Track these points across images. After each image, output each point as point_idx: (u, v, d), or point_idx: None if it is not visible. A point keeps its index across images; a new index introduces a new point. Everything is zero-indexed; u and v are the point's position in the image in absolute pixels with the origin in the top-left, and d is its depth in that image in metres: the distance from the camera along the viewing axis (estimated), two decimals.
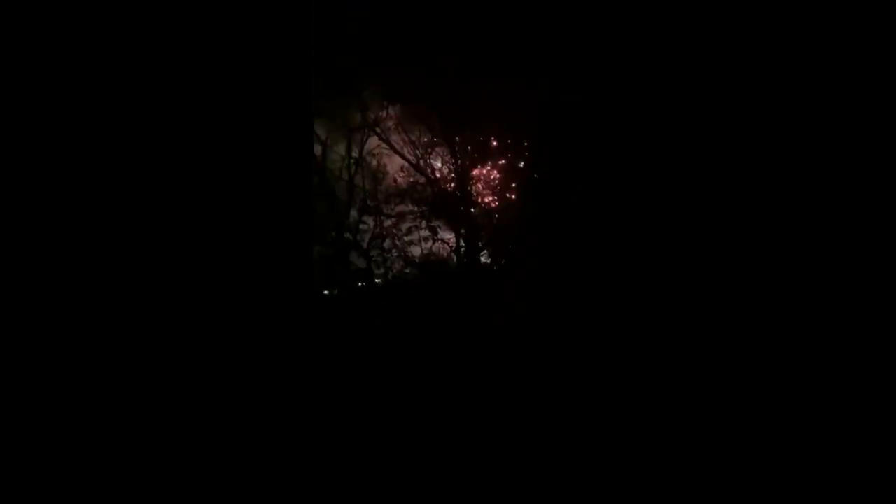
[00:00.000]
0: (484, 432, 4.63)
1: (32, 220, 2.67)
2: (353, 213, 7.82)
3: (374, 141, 7.88)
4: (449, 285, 7.38)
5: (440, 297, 7.05)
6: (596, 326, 5.33)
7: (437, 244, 7.71)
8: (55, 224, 2.70)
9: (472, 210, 7.68)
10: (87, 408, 2.67)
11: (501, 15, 6.53)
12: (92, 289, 2.71)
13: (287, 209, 3.12)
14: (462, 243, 7.66)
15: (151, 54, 2.85)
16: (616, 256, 5.50)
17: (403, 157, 7.86)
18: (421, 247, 7.70)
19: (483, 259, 7.64)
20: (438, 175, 7.82)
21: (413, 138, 7.79)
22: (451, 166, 7.73)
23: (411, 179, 7.84)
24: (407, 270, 7.67)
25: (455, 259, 7.68)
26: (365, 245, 7.77)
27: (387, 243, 7.72)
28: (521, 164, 7.40)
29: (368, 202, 7.83)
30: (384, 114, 7.70)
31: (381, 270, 7.72)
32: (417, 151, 7.84)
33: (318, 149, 7.84)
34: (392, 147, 7.86)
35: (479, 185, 7.71)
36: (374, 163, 7.88)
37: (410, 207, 7.80)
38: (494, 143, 7.51)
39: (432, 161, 7.83)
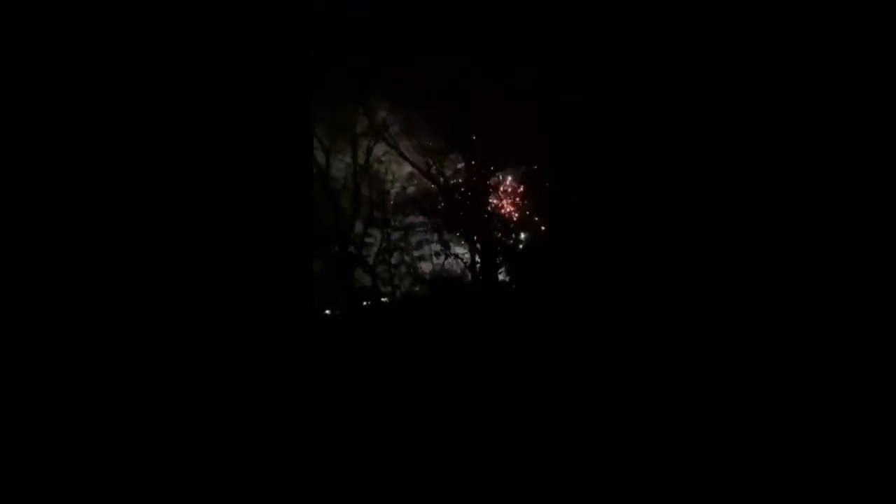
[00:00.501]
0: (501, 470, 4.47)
1: (33, 222, 2.70)
2: (358, 226, 7.55)
3: (381, 147, 7.63)
4: (463, 306, 7.10)
5: (453, 319, 6.68)
6: (632, 359, 5.12)
7: (449, 260, 7.42)
8: (53, 227, 2.73)
9: (490, 222, 7.37)
10: (79, 410, 2.70)
11: (508, 13, 6.43)
12: (87, 291, 2.75)
13: (285, 218, 3.06)
14: (478, 259, 7.33)
15: (151, 56, 2.87)
16: (659, 283, 5.34)
17: (413, 164, 7.55)
18: (432, 262, 7.41)
19: (502, 277, 7.31)
20: (451, 183, 7.51)
21: (423, 143, 7.46)
22: (466, 173, 7.42)
23: (421, 188, 7.56)
24: (416, 288, 7.39)
25: (470, 277, 7.34)
26: (371, 260, 7.46)
27: (394, 258, 7.43)
28: (543, 171, 7.14)
29: (375, 213, 7.53)
30: (392, 117, 7.44)
31: (388, 288, 7.42)
32: (428, 158, 7.50)
33: (320, 156, 7.46)
34: (400, 153, 7.56)
35: (498, 195, 7.40)
36: (382, 170, 7.61)
37: (420, 219, 7.51)
38: (513, 146, 7.11)
39: (445, 168, 7.54)
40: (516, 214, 7.42)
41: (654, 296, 5.32)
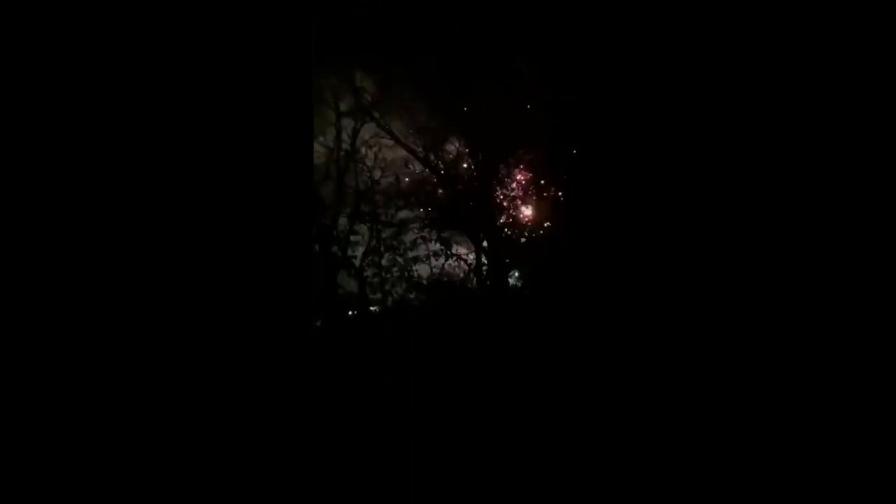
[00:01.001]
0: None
1: (28, 220, 2.81)
2: (343, 221, 6.90)
3: (370, 128, 6.94)
4: (466, 315, 6.50)
5: (455, 331, 6.18)
6: (648, 371, 5.11)
7: (450, 261, 6.85)
8: (49, 225, 2.84)
9: (497, 217, 6.72)
10: (75, 414, 2.83)
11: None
12: (83, 292, 2.86)
13: (285, 218, 3.16)
14: (483, 261, 6.79)
15: (149, 52, 2.98)
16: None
17: (408, 149, 6.90)
18: (430, 265, 6.85)
19: (512, 282, 6.77)
20: (452, 171, 6.88)
21: (420, 124, 6.80)
22: (470, 160, 6.79)
23: (417, 177, 6.92)
24: (411, 295, 6.83)
25: (474, 281, 6.81)
26: (357, 262, 6.88)
27: (385, 260, 6.86)
28: (560, 159, 6.50)
29: (362, 207, 6.90)
30: (383, 93, 6.79)
31: (378, 295, 6.85)
32: (425, 141, 6.86)
33: None
34: (393, 136, 6.89)
35: (509, 184, 6.75)
36: (371, 156, 6.96)
37: (416, 213, 6.90)
38: (524, 126, 6.49)
39: (444, 153, 6.89)
40: (531, 208, 6.71)
41: (667, 301, 5.38)
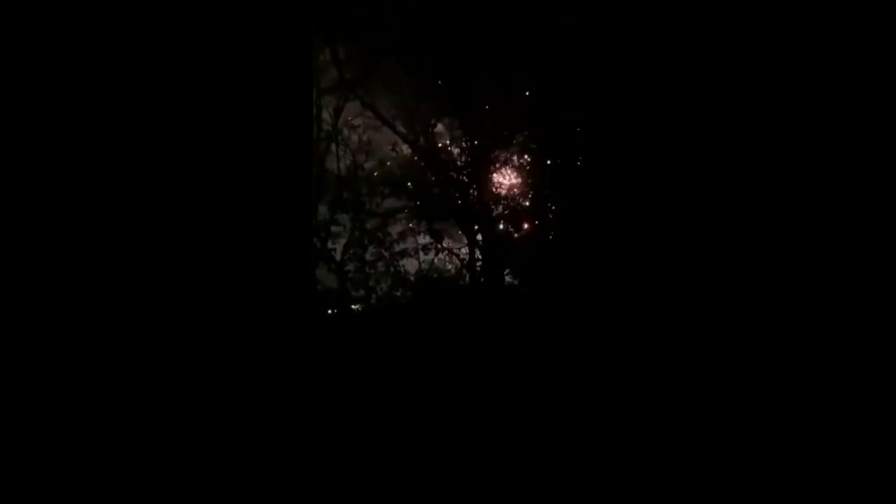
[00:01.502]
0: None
1: (28, 220, 2.88)
2: (323, 210, 6.70)
3: (354, 107, 6.74)
4: (458, 315, 6.31)
5: (445, 332, 5.98)
6: (651, 375, 5.13)
7: (441, 256, 6.77)
8: (48, 224, 2.91)
9: (494, 207, 6.55)
10: (74, 413, 2.89)
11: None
12: (82, 291, 2.93)
13: (284, 218, 3.20)
14: (478, 255, 6.62)
15: (148, 50, 3.04)
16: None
17: (396, 131, 6.72)
18: (418, 259, 6.75)
19: (508, 279, 6.56)
20: (445, 157, 6.73)
21: (409, 103, 6.63)
22: (465, 144, 6.59)
23: (406, 163, 6.80)
24: (398, 293, 6.70)
25: (467, 278, 6.65)
26: (338, 255, 6.71)
27: (369, 253, 6.72)
28: (560, 147, 6.37)
29: (344, 194, 6.73)
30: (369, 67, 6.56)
31: (361, 292, 6.68)
32: (416, 123, 6.73)
33: None
34: (379, 116, 6.69)
35: (505, 172, 6.60)
36: (355, 138, 6.81)
37: (404, 202, 6.77)
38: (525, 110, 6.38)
39: (437, 137, 6.77)
40: (531, 198, 6.54)
41: (668, 298, 5.38)
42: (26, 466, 2.80)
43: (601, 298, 5.66)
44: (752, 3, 5.15)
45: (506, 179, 6.61)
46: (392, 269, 6.69)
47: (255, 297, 3.12)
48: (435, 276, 6.73)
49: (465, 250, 6.70)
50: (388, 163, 6.81)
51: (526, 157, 6.58)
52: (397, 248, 6.73)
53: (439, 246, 6.69)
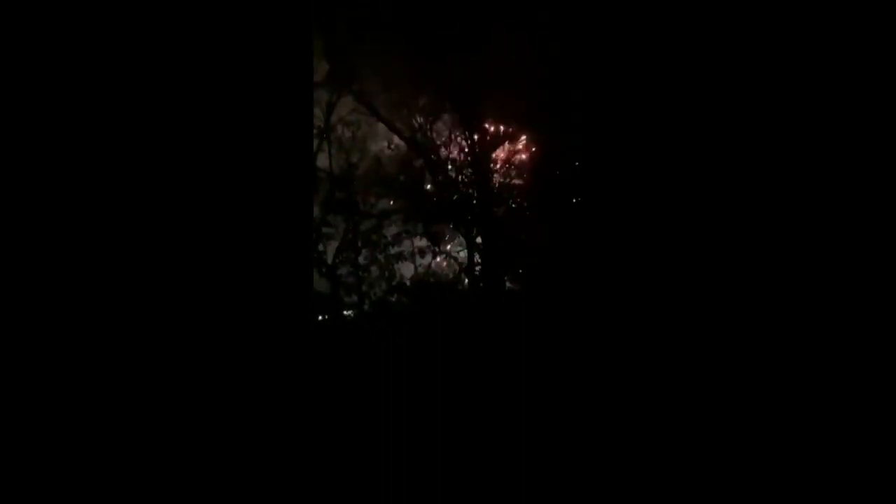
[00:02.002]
0: None
1: (28, 220, 2.90)
2: (315, 211, 6.54)
3: (348, 103, 6.63)
4: (457, 322, 6.11)
5: (443, 340, 5.78)
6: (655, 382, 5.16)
7: (439, 259, 6.70)
8: (49, 224, 2.93)
9: (495, 210, 6.51)
10: (72, 414, 2.92)
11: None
12: (80, 291, 2.96)
13: (283, 218, 3.25)
14: (477, 259, 6.55)
15: (147, 50, 3.07)
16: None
17: (392, 128, 6.62)
18: (415, 263, 6.67)
19: (509, 284, 6.52)
20: (443, 155, 6.64)
21: (406, 99, 6.55)
22: (464, 142, 6.53)
23: (402, 161, 6.68)
24: (392, 298, 6.61)
25: (466, 282, 6.59)
26: (329, 259, 6.62)
27: (363, 257, 6.63)
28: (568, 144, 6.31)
29: (337, 194, 6.59)
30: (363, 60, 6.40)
31: (354, 297, 6.59)
32: (414, 119, 6.60)
33: None
34: (375, 113, 6.60)
35: (506, 172, 6.54)
36: (348, 135, 6.70)
37: (401, 203, 6.64)
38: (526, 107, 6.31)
39: (435, 134, 6.64)
40: (532, 199, 6.44)
41: (670, 302, 5.43)
42: (25, 465, 2.84)
43: (605, 304, 5.62)
44: (752, 4, 5.22)
45: (507, 180, 6.53)
46: (386, 273, 6.61)
47: (255, 297, 3.12)
48: (432, 280, 6.65)
49: (463, 254, 6.63)
50: (384, 161, 6.72)
51: (527, 156, 6.52)
52: (392, 252, 6.64)
53: (437, 250, 6.63)
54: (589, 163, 6.36)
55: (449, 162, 6.67)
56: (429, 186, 6.76)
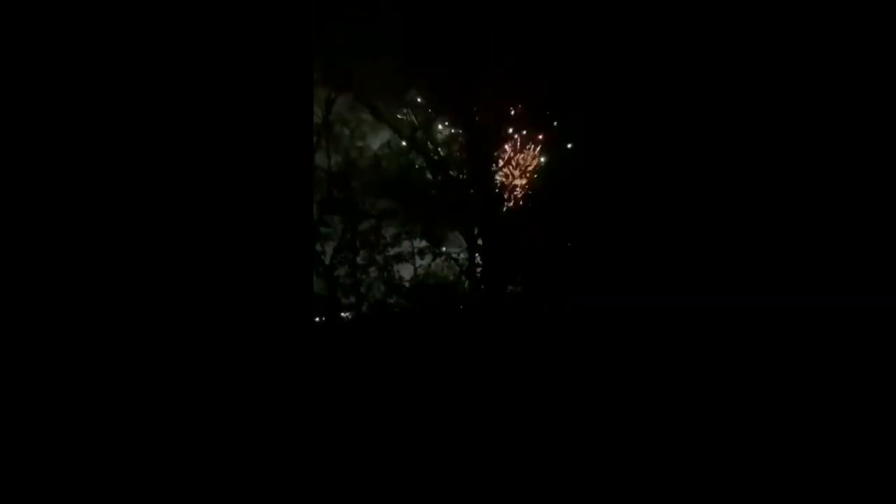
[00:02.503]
0: None
1: (28, 219, 2.91)
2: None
3: (345, 100, 6.63)
4: (458, 326, 6.06)
5: (443, 344, 5.71)
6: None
7: (439, 261, 6.67)
8: (49, 224, 2.94)
9: (498, 210, 6.48)
10: (72, 415, 2.94)
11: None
12: (80, 292, 2.97)
13: (283, 218, 3.26)
14: (479, 261, 6.55)
15: (147, 50, 3.09)
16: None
17: (391, 126, 6.61)
18: (415, 265, 6.65)
19: (511, 287, 6.53)
20: (444, 154, 6.63)
21: (406, 97, 6.57)
22: (465, 141, 6.48)
23: (402, 160, 6.68)
24: (391, 300, 6.62)
25: (468, 285, 6.58)
26: (327, 259, 6.61)
27: (361, 257, 6.63)
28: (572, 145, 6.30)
29: (335, 193, 6.61)
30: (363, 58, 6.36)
31: (352, 299, 6.60)
32: (413, 117, 6.59)
33: None
34: (374, 110, 6.60)
35: (509, 172, 6.46)
36: (346, 133, 6.66)
37: (400, 204, 6.66)
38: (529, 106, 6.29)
39: (436, 132, 6.65)
40: (537, 200, 6.39)
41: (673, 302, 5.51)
42: (25, 464, 2.86)
43: (605, 304, 5.64)
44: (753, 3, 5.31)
45: (509, 180, 6.44)
46: (385, 274, 6.59)
47: (255, 297, 3.14)
48: (431, 282, 6.63)
49: (464, 255, 6.61)
50: (383, 160, 6.71)
51: (531, 156, 6.43)
52: (391, 252, 6.61)
53: (437, 251, 6.60)
54: (589, 163, 6.27)
55: (451, 160, 6.53)
56: (428, 186, 6.60)
